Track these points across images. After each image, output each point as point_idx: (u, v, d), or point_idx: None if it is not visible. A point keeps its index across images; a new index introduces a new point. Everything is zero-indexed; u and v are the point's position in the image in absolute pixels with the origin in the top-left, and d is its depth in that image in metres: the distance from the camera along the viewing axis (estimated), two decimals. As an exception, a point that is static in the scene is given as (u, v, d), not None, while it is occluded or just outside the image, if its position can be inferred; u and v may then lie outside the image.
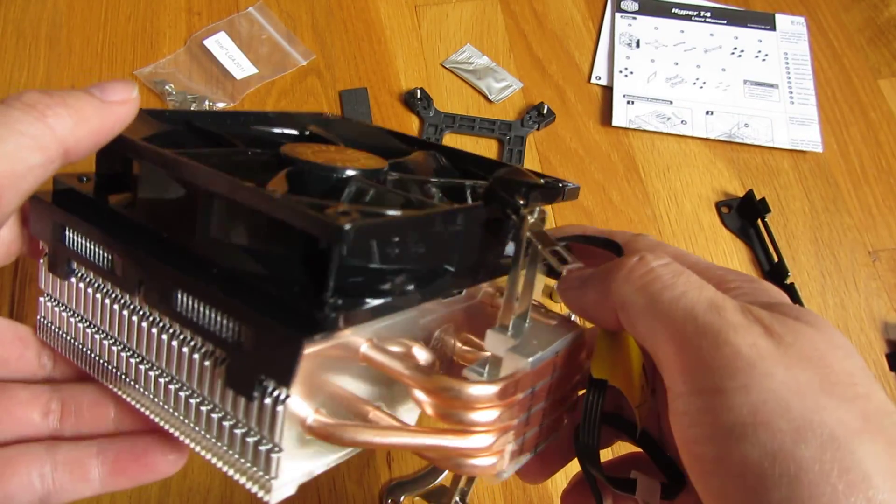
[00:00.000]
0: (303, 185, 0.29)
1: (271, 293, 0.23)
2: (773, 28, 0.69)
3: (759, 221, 0.58)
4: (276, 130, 0.39)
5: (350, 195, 0.29)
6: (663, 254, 0.26)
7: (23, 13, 0.66)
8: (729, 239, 0.58)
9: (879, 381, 0.53)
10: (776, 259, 0.56)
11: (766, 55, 0.67)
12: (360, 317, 0.23)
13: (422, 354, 0.27)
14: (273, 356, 0.22)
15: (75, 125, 0.26)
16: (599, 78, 0.66)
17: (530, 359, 0.26)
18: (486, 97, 0.64)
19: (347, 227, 0.21)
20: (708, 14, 0.70)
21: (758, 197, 0.58)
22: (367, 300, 0.24)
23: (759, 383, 0.21)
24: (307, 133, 0.39)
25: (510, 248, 0.32)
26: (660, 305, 0.24)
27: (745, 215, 0.59)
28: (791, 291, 0.55)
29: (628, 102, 0.64)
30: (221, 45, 0.65)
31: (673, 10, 0.70)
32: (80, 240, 0.28)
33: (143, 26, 0.66)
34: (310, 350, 0.22)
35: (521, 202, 0.28)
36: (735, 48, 0.68)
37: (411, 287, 0.26)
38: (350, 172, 0.29)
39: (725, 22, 0.69)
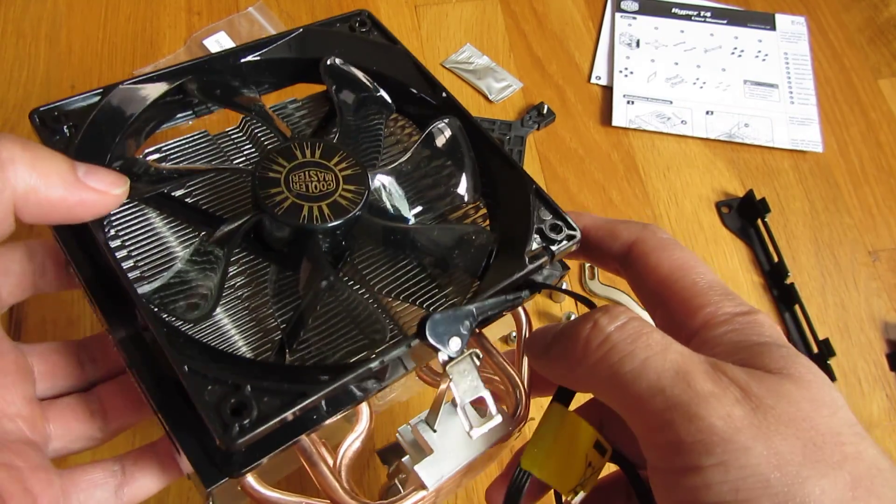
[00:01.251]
0: (266, 231, 0.34)
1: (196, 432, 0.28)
2: (773, 28, 0.69)
3: (759, 221, 0.58)
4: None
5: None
6: (622, 309, 0.25)
7: (23, 13, 0.66)
8: (729, 239, 0.58)
9: (879, 381, 0.53)
10: (776, 259, 0.56)
11: (766, 55, 0.67)
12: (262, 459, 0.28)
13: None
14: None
15: (32, 189, 0.26)
16: (599, 78, 0.66)
17: (431, 483, 0.30)
18: (486, 97, 0.64)
19: (233, 454, 0.27)
20: (708, 14, 0.70)
21: (758, 197, 0.58)
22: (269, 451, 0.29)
23: (737, 459, 0.20)
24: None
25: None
26: (622, 379, 0.23)
27: (745, 215, 0.59)
28: (791, 291, 0.55)
29: (628, 102, 0.64)
30: (221, 45, 0.65)
31: (673, 10, 0.70)
32: None
33: (143, 26, 0.66)
34: (214, 488, 0.28)
35: (449, 356, 0.29)
36: (735, 48, 0.68)
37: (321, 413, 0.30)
38: (312, 226, 0.32)
39: (725, 22, 0.69)
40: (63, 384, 0.33)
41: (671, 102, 0.64)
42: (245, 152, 0.41)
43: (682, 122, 0.63)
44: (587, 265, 0.56)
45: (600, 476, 0.29)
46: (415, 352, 0.30)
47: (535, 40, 0.67)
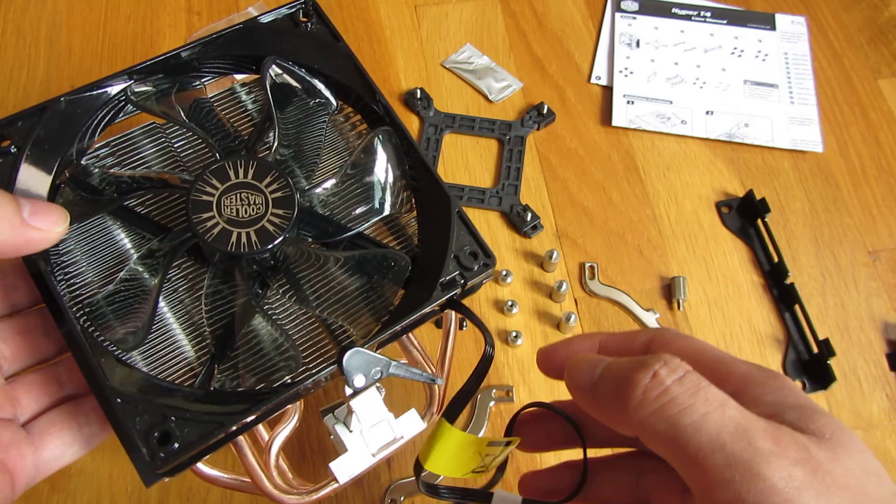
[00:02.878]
0: (201, 252, 0.37)
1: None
2: (773, 28, 0.69)
3: (759, 221, 0.58)
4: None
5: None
6: (679, 362, 0.24)
7: (23, 13, 0.66)
8: (729, 239, 0.58)
9: (879, 381, 0.53)
10: (776, 259, 0.56)
11: (766, 55, 0.67)
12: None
13: None
14: None
15: None
16: (599, 78, 0.66)
17: (343, 479, 0.34)
18: (486, 97, 0.64)
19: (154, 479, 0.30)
20: (708, 14, 0.70)
21: (758, 197, 0.58)
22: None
23: None
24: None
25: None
26: (681, 432, 0.23)
27: (745, 215, 0.59)
28: (791, 291, 0.55)
29: (628, 102, 0.64)
30: (221, 45, 0.65)
31: (673, 10, 0.70)
32: None
33: (143, 26, 0.66)
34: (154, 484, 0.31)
35: (352, 389, 0.33)
36: (735, 48, 0.68)
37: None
38: (240, 253, 0.34)
39: (725, 22, 0.69)
40: (29, 360, 0.36)
41: (671, 102, 0.64)
42: (193, 145, 0.41)
43: (682, 122, 0.63)
44: (587, 265, 0.56)
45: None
46: (333, 372, 0.34)
47: (535, 40, 0.67)
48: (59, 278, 0.37)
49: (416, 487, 0.47)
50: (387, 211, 0.39)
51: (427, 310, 0.35)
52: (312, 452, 0.48)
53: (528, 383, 0.52)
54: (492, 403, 0.51)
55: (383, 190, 0.39)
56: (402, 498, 0.47)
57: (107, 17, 0.66)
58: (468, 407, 0.50)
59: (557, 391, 0.52)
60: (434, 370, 0.39)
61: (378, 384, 0.34)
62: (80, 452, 0.34)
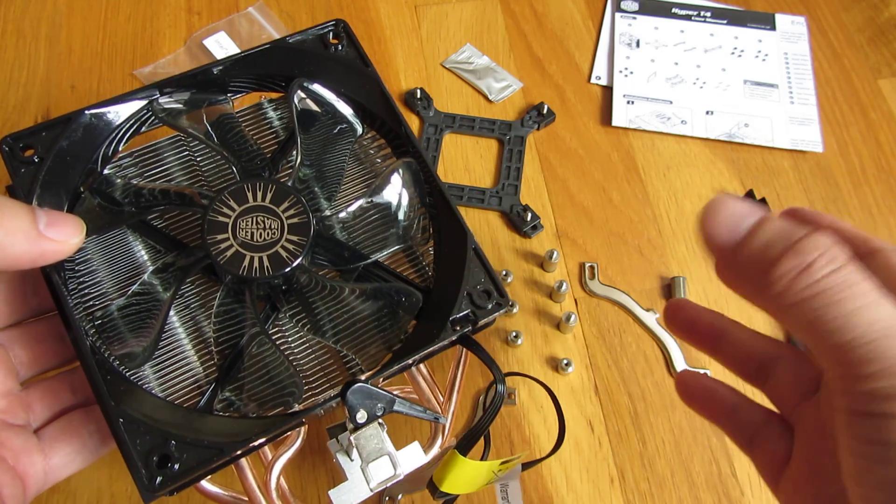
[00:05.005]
0: (214, 270, 0.37)
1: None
2: (773, 28, 0.69)
3: (759, 221, 0.58)
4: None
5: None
6: (838, 252, 0.22)
7: (23, 13, 0.66)
8: (729, 239, 0.58)
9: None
10: (776, 259, 0.56)
11: (766, 55, 0.67)
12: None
13: None
14: None
15: None
16: (599, 78, 0.66)
17: None
18: (486, 97, 0.64)
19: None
20: (708, 14, 0.70)
21: (758, 197, 0.58)
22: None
23: None
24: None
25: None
26: (826, 326, 0.22)
27: (745, 215, 0.59)
28: (791, 291, 0.55)
29: (628, 102, 0.64)
30: (221, 45, 0.65)
31: (673, 10, 0.70)
32: None
33: (143, 26, 0.66)
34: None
35: (354, 423, 0.33)
36: (735, 48, 0.68)
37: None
38: (252, 277, 0.35)
39: (725, 22, 0.69)
40: (45, 365, 0.36)
41: (671, 102, 0.64)
42: (216, 161, 0.41)
43: (682, 122, 0.63)
44: (587, 265, 0.56)
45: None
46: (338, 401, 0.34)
47: (535, 40, 0.67)
48: (72, 287, 0.37)
49: (413, 486, 0.48)
50: (404, 242, 0.39)
51: (436, 347, 0.35)
52: (312, 452, 0.48)
53: (529, 383, 0.52)
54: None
55: (402, 220, 0.39)
56: (399, 497, 0.47)
57: (107, 17, 0.66)
58: (468, 407, 0.50)
59: (556, 389, 0.52)
60: (442, 399, 0.39)
61: (380, 419, 0.34)
62: (89, 461, 0.34)
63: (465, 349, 0.39)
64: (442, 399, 0.39)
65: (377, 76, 0.42)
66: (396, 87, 0.64)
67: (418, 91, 0.62)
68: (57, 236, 0.30)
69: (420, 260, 0.41)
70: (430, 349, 0.35)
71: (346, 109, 0.42)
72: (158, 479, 0.30)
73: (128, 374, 0.35)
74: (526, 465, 0.38)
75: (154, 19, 0.66)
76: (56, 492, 0.47)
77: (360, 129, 0.42)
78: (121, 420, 0.31)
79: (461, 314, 0.35)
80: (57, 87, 0.62)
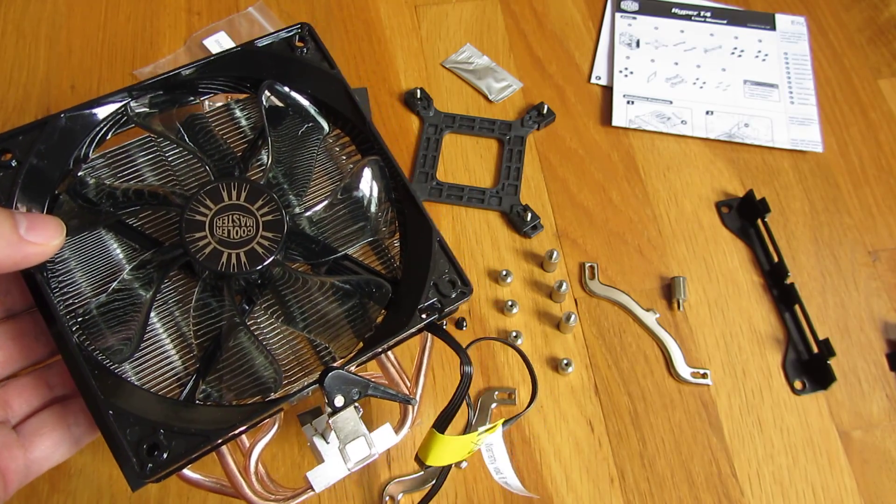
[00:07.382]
0: (192, 269, 0.38)
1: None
2: (773, 28, 0.69)
3: (759, 221, 0.58)
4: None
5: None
6: None
7: (23, 13, 0.66)
8: (729, 239, 0.58)
9: (879, 381, 0.53)
10: (776, 259, 0.56)
11: (766, 55, 0.67)
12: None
13: None
14: None
15: None
16: (599, 78, 0.66)
17: (319, 487, 0.36)
18: (486, 97, 0.64)
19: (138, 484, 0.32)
20: (708, 14, 0.70)
21: (758, 197, 0.58)
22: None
23: None
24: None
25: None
26: None
27: (745, 215, 0.59)
28: (791, 291, 0.55)
29: (628, 102, 0.64)
30: (221, 45, 0.65)
31: (673, 10, 0.70)
32: None
33: (143, 26, 0.66)
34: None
35: (332, 408, 0.35)
36: (735, 48, 0.68)
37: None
38: (230, 272, 0.36)
39: (725, 22, 0.69)
40: (20, 363, 0.36)
41: (671, 102, 0.64)
42: (188, 161, 0.42)
43: (682, 122, 0.63)
44: (587, 265, 0.56)
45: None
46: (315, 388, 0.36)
47: (535, 40, 0.67)
48: (52, 287, 0.37)
49: (413, 486, 0.48)
50: (372, 235, 0.41)
51: (405, 334, 0.37)
52: (280, 439, 0.48)
53: (529, 383, 0.52)
54: (494, 405, 0.51)
55: (370, 215, 0.40)
56: (399, 496, 0.47)
57: (107, 17, 0.66)
58: (469, 408, 0.50)
59: (556, 390, 0.52)
60: (409, 384, 0.41)
61: (356, 403, 0.36)
62: (70, 452, 0.35)
63: (430, 336, 0.41)
64: (409, 384, 0.41)
65: (342, 77, 0.43)
66: (396, 87, 0.64)
67: (418, 91, 0.62)
68: (38, 239, 0.31)
69: (386, 252, 0.42)
70: (400, 336, 0.37)
71: (312, 109, 0.43)
72: (149, 465, 0.32)
73: (113, 368, 0.36)
74: (507, 423, 0.41)
75: (154, 19, 0.66)
76: (56, 492, 0.47)
77: (326, 128, 0.43)
78: (110, 412, 0.32)
79: (428, 303, 0.37)
80: (57, 87, 0.62)
